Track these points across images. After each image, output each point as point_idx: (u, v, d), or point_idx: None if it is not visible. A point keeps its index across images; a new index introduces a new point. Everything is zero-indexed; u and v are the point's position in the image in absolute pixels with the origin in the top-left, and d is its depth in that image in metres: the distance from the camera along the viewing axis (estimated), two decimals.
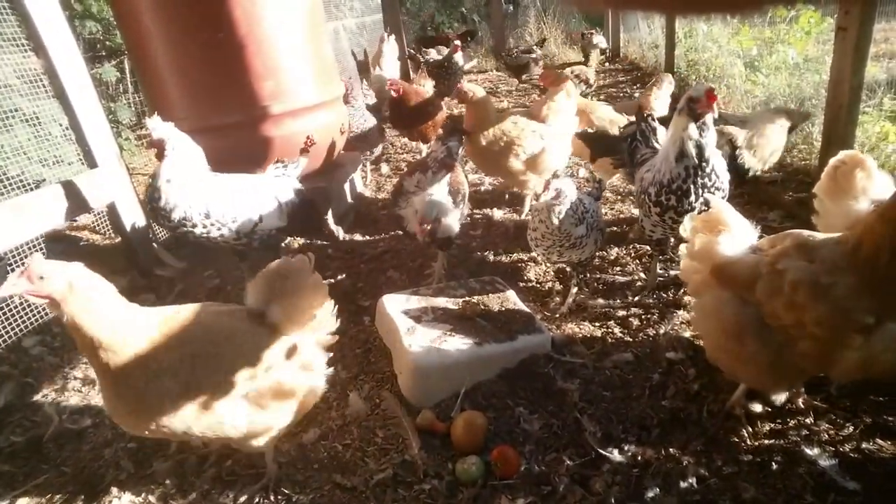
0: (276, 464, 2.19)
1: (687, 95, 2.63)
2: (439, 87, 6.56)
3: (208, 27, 3.40)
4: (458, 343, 2.46)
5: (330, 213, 4.03)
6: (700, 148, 2.60)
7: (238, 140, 3.63)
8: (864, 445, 2.03)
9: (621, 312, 2.95)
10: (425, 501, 1.99)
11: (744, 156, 3.54)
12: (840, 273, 1.76)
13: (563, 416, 2.29)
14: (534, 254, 3.25)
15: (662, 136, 3.13)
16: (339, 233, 4.05)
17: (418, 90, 5.33)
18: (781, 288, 1.83)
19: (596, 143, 3.74)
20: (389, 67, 6.93)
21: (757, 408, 2.23)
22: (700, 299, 2.21)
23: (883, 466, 1.95)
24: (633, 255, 3.49)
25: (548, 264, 3.44)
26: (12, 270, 3.03)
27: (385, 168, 5.68)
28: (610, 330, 2.83)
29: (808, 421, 2.16)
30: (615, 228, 3.83)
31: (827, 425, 2.13)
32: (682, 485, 1.95)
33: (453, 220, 3.06)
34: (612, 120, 4.48)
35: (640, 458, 2.08)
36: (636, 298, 3.04)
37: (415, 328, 2.55)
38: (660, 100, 4.77)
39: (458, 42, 7.89)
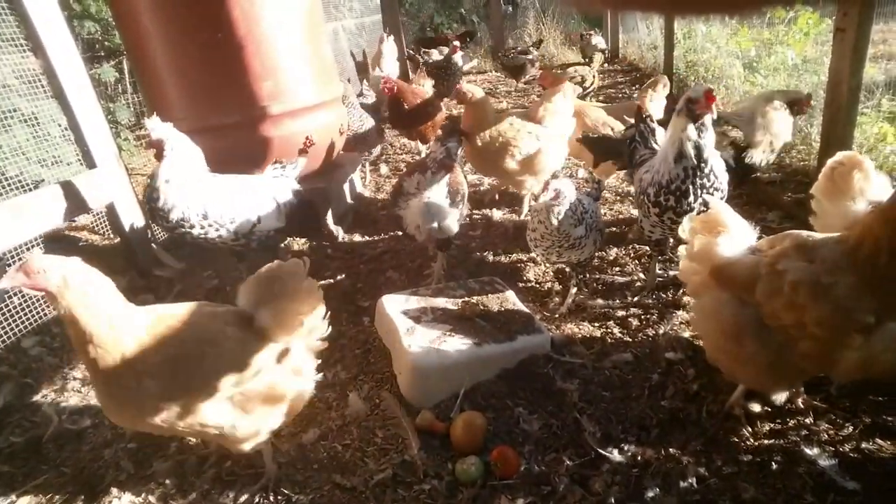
0: (276, 464, 2.19)
1: (685, 96, 2.63)
2: (439, 88, 6.56)
3: (207, 27, 3.40)
4: (457, 343, 2.46)
5: (330, 213, 4.03)
6: (699, 149, 2.61)
7: (237, 140, 3.63)
8: (863, 445, 2.03)
9: (620, 313, 2.95)
10: (425, 502, 1.98)
11: (750, 153, 3.53)
12: (840, 273, 1.77)
13: (563, 416, 2.30)
14: (533, 254, 3.25)
15: (661, 137, 3.14)
16: (339, 233, 4.05)
17: (416, 90, 5.32)
18: (781, 288, 1.83)
19: (598, 147, 3.74)
20: (389, 68, 6.93)
21: (756, 408, 2.23)
22: (699, 300, 2.21)
23: (882, 466, 1.95)
24: (632, 255, 3.50)
25: (547, 265, 3.44)
26: None
27: (384, 168, 5.68)
28: (609, 330, 2.83)
29: (807, 421, 2.16)
30: (614, 229, 3.84)
31: (826, 425, 2.14)
32: (682, 485, 1.95)
33: (452, 221, 3.06)
34: (604, 122, 4.47)
35: (639, 458, 2.08)
36: (635, 299, 3.04)
37: (414, 328, 2.55)
38: (655, 102, 4.76)
39: (457, 43, 7.90)
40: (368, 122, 4.99)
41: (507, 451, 2.06)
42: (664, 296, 3.04)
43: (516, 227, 4.00)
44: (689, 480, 1.96)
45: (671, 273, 3.13)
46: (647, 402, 2.33)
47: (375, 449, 2.23)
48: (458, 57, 7.49)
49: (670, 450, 2.10)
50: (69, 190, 3.24)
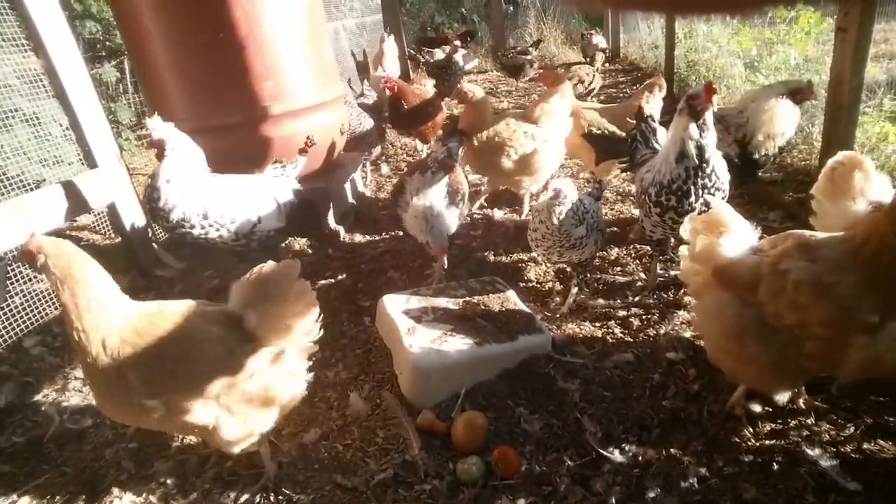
0: (275, 463, 2.19)
1: (686, 95, 2.63)
2: (439, 88, 6.55)
3: (208, 27, 3.40)
4: (458, 343, 2.46)
5: (331, 212, 4.03)
6: (700, 149, 2.60)
7: (238, 140, 3.63)
8: (865, 446, 2.03)
9: (622, 313, 2.95)
10: (426, 502, 1.98)
11: (754, 147, 3.51)
12: (843, 272, 1.76)
13: (564, 416, 2.29)
14: (534, 254, 3.25)
15: (662, 137, 3.14)
16: (341, 232, 4.05)
17: (417, 90, 5.31)
18: (784, 288, 1.83)
19: (600, 144, 3.74)
20: (391, 67, 6.93)
21: (757, 408, 2.23)
22: (701, 300, 2.21)
23: (884, 467, 1.94)
24: (633, 255, 3.49)
25: (548, 264, 3.44)
26: (12, 270, 3.05)
27: (385, 168, 5.68)
28: (610, 330, 2.83)
29: (809, 421, 2.16)
30: (615, 229, 3.83)
31: (828, 426, 2.13)
32: (683, 485, 1.95)
33: (451, 221, 3.06)
34: (598, 124, 4.45)
35: (640, 458, 2.08)
36: (636, 299, 3.04)
37: (415, 328, 2.55)
38: (651, 104, 4.73)
39: (457, 42, 7.89)
40: (367, 123, 4.98)
41: (508, 452, 2.06)
42: (665, 296, 3.04)
43: (517, 226, 3.99)
44: (691, 481, 1.96)
45: (672, 273, 3.13)
46: (649, 403, 2.33)
47: (376, 449, 2.23)
48: (459, 56, 7.49)
49: (671, 450, 2.10)
50: (70, 190, 3.25)
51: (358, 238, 4.14)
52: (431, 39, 10.51)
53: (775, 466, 1.99)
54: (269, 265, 2.02)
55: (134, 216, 3.67)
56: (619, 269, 3.36)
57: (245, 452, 2.09)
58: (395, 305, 2.74)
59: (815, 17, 5.66)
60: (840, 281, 1.75)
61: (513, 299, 2.82)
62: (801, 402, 2.22)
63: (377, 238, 4.11)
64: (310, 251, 3.99)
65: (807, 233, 2.00)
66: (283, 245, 3.81)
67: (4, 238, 2.89)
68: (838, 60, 3.41)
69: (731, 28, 7.03)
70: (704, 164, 2.62)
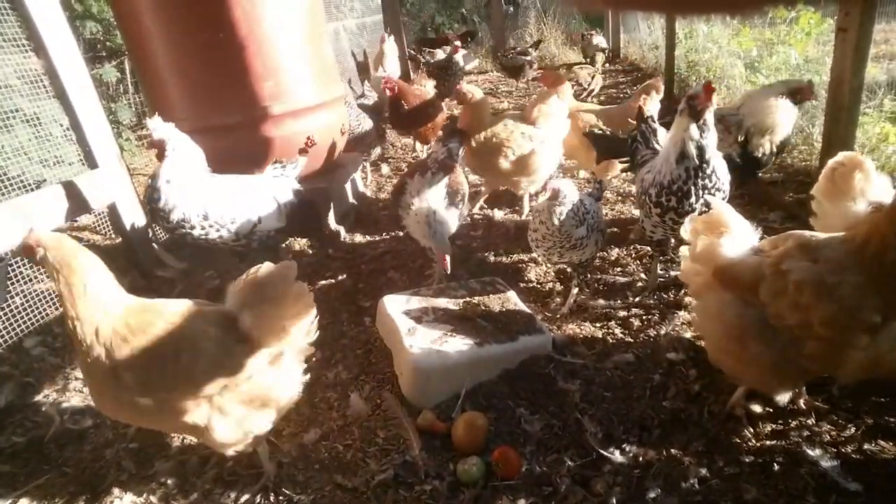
0: (275, 463, 2.19)
1: (686, 95, 2.64)
2: (440, 88, 6.55)
3: (208, 28, 3.40)
4: (458, 344, 2.46)
5: (332, 213, 4.03)
6: (701, 149, 2.60)
7: (238, 140, 3.63)
8: (865, 446, 2.03)
9: (622, 313, 2.95)
10: (426, 502, 1.98)
11: (755, 143, 3.50)
12: (845, 272, 1.76)
13: (564, 416, 2.29)
14: (534, 254, 3.25)
15: (662, 138, 3.14)
16: (342, 232, 4.05)
17: (417, 91, 5.31)
18: (786, 289, 1.83)
19: (601, 144, 3.73)
20: (392, 68, 6.93)
21: (758, 408, 2.23)
22: (702, 301, 2.21)
23: (885, 468, 1.94)
24: (633, 255, 3.49)
25: (548, 265, 3.44)
26: (13, 271, 3.05)
27: (385, 168, 5.68)
28: (611, 331, 2.83)
29: (809, 422, 2.16)
30: (616, 229, 3.83)
31: (829, 426, 2.13)
32: (684, 486, 1.95)
33: (451, 221, 3.06)
34: (594, 127, 4.43)
35: (641, 458, 2.08)
36: (637, 299, 3.04)
37: (415, 329, 2.55)
38: (649, 106, 4.71)
39: (458, 43, 7.89)
40: (366, 123, 4.98)
41: (508, 452, 2.06)
42: (666, 296, 3.04)
43: (517, 227, 3.99)
44: (691, 481, 1.96)
45: (673, 273, 3.13)
46: (649, 403, 2.33)
47: (377, 449, 2.23)
48: (459, 57, 7.49)
49: (672, 450, 2.10)
50: (71, 190, 3.25)
51: (358, 238, 4.14)
52: (432, 40, 10.50)
53: (776, 467, 1.98)
54: (267, 267, 2.00)
55: (134, 216, 3.67)
56: (619, 269, 3.36)
57: (246, 453, 2.09)
58: (396, 306, 2.74)
59: (816, 18, 5.67)
60: (842, 281, 1.75)
61: (513, 300, 2.81)
62: (801, 402, 2.21)
63: (377, 238, 4.11)
64: (310, 251, 3.99)
65: (807, 233, 2.00)
66: (284, 245, 3.81)
67: (5, 238, 2.89)
68: (839, 61, 3.41)
69: (731, 28, 7.03)
70: (705, 165, 2.62)
